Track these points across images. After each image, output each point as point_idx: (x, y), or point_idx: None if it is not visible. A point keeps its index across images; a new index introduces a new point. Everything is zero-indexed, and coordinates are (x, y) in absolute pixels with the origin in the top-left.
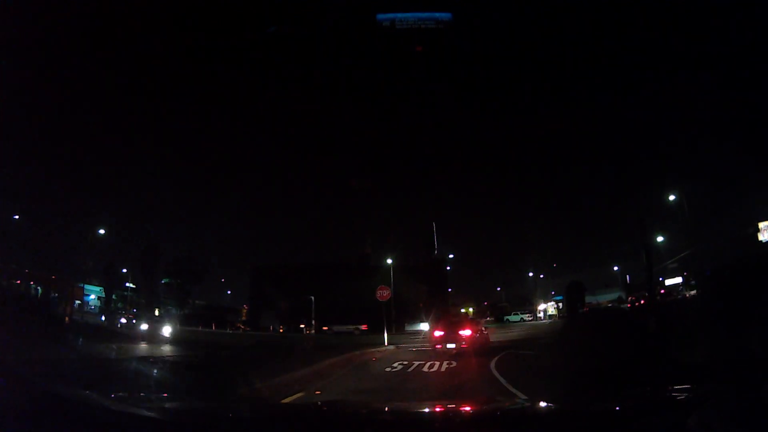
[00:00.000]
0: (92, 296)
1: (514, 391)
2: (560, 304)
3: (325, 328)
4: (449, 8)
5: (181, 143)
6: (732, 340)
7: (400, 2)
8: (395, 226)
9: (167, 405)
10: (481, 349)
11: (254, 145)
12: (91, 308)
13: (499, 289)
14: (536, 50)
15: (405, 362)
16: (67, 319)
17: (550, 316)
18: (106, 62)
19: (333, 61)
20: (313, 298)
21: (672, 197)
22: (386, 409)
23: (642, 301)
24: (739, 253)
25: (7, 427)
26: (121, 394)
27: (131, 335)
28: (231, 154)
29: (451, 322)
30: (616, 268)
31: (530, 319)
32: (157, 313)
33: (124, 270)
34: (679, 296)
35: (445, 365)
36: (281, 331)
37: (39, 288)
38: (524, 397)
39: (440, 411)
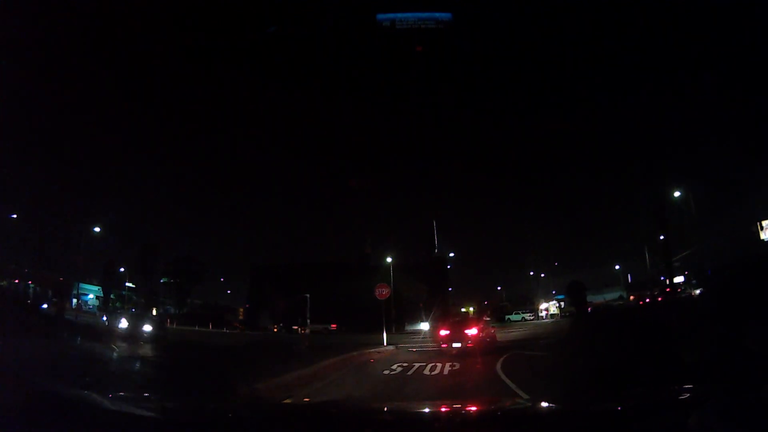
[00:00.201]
0: (91, 295)
1: (527, 398)
2: (562, 303)
3: (294, 327)
4: (449, 8)
5: (181, 143)
6: (733, 340)
7: (400, 2)
8: (395, 225)
9: (166, 405)
10: (488, 348)
11: (254, 144)
12: (89, 307)
13: (499, 288)
14: (536, 50)
15: (405, 364)
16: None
17: (551, 315)
18: (106, 62)
19: (333, 61)
20: (308, 296)
21: (677, 194)
22: (386, 409)
23: (647, 299)
24: (741, 252)
25: (6, 426)
26: (121, 394)
27: (115, 334)
28: (231, 154)
29: (456, 321)
30: (617, 267)
31: (532, 318)
32: (154, 312)
33: (122, 269)
34: (684, 294)
35: (447, 367)
36: (275, 330)
37: (33, 287)
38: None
39: (440, 411)
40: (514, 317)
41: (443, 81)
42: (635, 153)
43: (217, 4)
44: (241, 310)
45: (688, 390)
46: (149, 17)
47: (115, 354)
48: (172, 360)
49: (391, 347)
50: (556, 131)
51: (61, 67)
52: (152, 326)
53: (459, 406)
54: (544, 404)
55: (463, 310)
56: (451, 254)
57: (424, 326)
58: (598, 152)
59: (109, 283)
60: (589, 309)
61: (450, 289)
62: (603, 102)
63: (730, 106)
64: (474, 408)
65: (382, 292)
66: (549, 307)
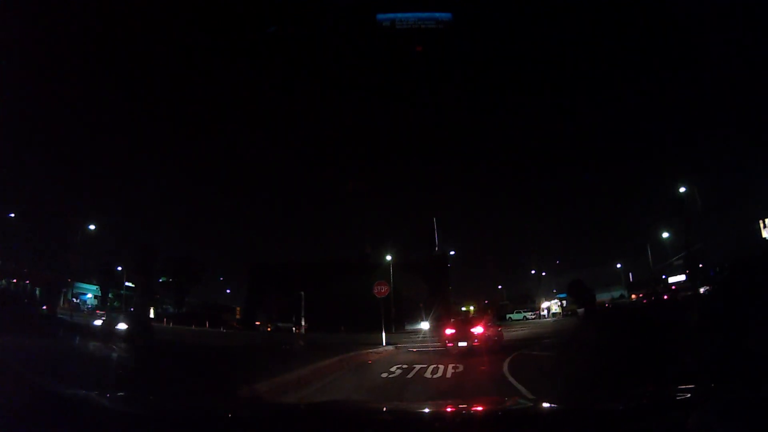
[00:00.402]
0: (89, 295)
1: (532, 398)
2: (564, 302)
3: (281, 325)
4: (449, 8)
5: (180, 142)
6: (734, 339)
7: (400, 2)
8: (396, 223)
9: (166, 405)
10: (494, 348)
11: (254, 144)
12: (88, 307)
13: (500, 287)
14: (536, 49)
15: (404, 366)
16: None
17: (553, 314)
18: (106, 61)
19: (333, 60)
20: (302, 293)
21: (682, 190)
22: (386, 409)
23: (653, 297)
24: (743, 250)
25: (6, 426)
26: (120, 394)
27: (95, 333)
28: (231, 153)
29: (462, 320)
30: (618, 266)
31: (533, 317)
32: (152, 312)
33: (119, 268)
34: (690, 293)
35: (450, 370)
36: (268, 330)
37: (28, 285)
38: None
39: (441, 411)
40: (515, 316)
41: (443, 81)
42: (636, 151)
43: (217, 4)
44: (239, 309)
45: (688, 390)
46: (149, 17)
47: (67, 350)
48: (127, 360)
49: (390, 347)
50: (556, 129)
51: (60, 67)
52: (130, 325)
53: (459, 405)
54: (546, 404)
55: (464, 309)
56: (452, 252)
57: (425, 325)
58: (599, 150)
59: (108, 283)
60: (607, 305)
61: (450, 287)
62: (604, 100)
63: (730, 104)
64: (475, 408)
65: (381, 289)
66: (551, 306)
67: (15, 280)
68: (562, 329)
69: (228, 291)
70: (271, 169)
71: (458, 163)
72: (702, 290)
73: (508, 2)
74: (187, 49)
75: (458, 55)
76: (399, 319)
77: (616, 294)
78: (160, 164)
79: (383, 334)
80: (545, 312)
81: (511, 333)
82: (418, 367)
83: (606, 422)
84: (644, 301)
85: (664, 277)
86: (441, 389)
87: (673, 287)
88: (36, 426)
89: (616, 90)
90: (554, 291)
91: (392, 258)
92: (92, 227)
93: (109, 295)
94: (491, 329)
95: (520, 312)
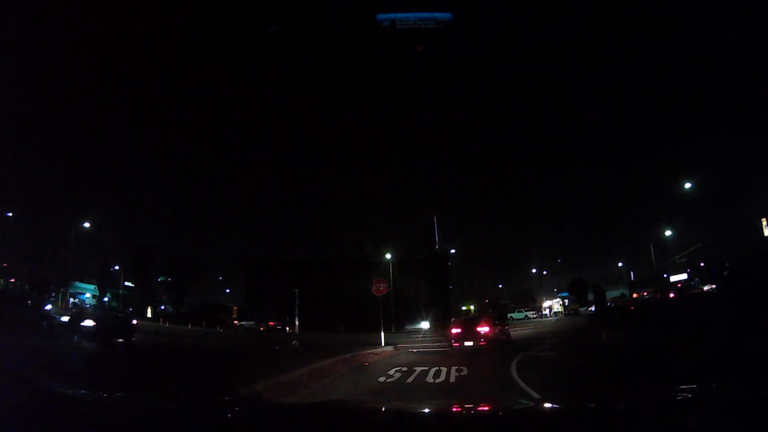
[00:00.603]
0: (88, 294)
1: (539, 397)
2: (566, 301)
3: (236, 323)
4: (449, 8)
5: (180, 142)
6: (736, 339)
7: (400, 2)
8: (396, 222)
9: (166, 405)
10: (500, 348)
11: (254, 143)
12: (87, 306)
13: (501, 286)
14: (537, 49)
15: (404, 368)
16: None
17: (555, 313)
18: (106, 61)
19: (333, 60)
20: (296, 291)
21: (686, 186)
22: (386, 409)
23: (659, 295)
24: (745, 249)
25: (6, 426)
26: (120, 394)
27: (58, 329)
28: (231, 153)
29: (468, 319)
30: (620, 265)
31: (535, 316)
32: (149, 312)
33: (116, 267)
34: (695, 291)
35: (453, 373)
36: (261, 329)
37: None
38: None
39: (441, 411)
40: (516, 315)
41: (443, 81)
42: (637, 151)
43: (217, 5)
44: (236, 308)
45: (688, 390)
46: (150, 17)
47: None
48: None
49: (389, 348)
50: (557, 128)
51: (60, 67)
52: (99, 321)
53: (460, 405)
54: (546, 404)
55: (464, 308)
56: (452, 251)
57: (425, 325)
58: (599, 149)
59: (105, 282)
60: (593, 307)
61: (450, 287)
62: (605, 99)
63: (731, 103)
64: (475, 407)
65: (380, 287)
66: (552, 305)
67: (13, 280)
68: (567, 329)
69: (228, 291)
70: (271, 168)
71: (458, 162)
72: (706, 288)
73: (508, 2)
74: (187, 49)
75: (458, 55)
76: (399, 318)
77: (618, 293)
78: (160, 164)
79: (382, 334)
80: (547, 311)
81: (514, 332)
82: (418, 369)
83: (606, 422)
84: (652, 300)
85: (665, 275)
86: (444, 396)
87: (679, 285)
88: (36, 426)
89: (617, 89)
90: (555, 290)
91: (392, 256)
92: (87, 225)
93: (107, 295)
94: (497, 328)
95: (522, 311)
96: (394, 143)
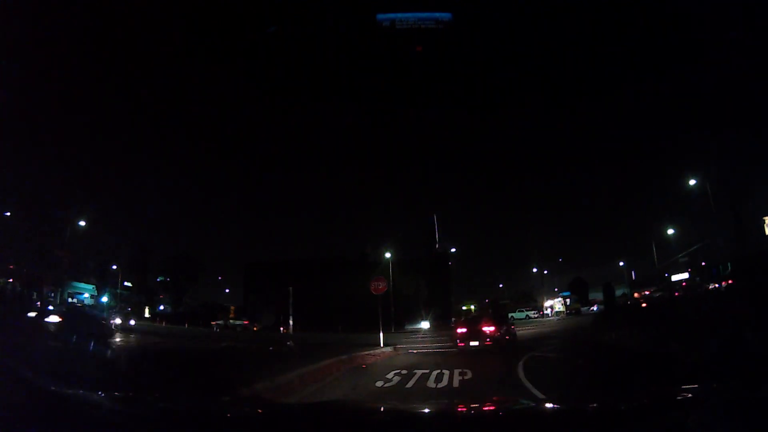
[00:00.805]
0: (86, 294)
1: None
2: (568, 300)
3: (213, 322)
4: (449, 8)
5: (180, 141)
6: (736, 338)
7: (400, 2)
8: (396, 221)
9: (166, 405)
10: (506, 348)
11: (255, 143)
12: (85, 306)
13: (501, 285)
14: (537, 49)
15: (403, 371)
16: None
17: (557, 312)
18: (105, 61)
19: (333, 61)
20: (291, 289)
21: (692, 183)
22: (386, 409)
23: (663, 294)
24: (746, 248)
25: (6, 427)
26: (119, 394)
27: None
28: (232, 153)
29: (473, 318)
30: (621, 264)
31: (536, 316)
32: (147, 312)
33: (114, 267)
34: (701, 290)
35: (457, 377)
36: (255, 329)
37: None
38: None
39: (441, 410)
40: (517, 315)
41: (443, 81)
42: (639, 149)
43: (217, 4)
44: (233, 308)
45: (688, 390)
46: (148, 17)
47: None
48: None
49: (388, 348)
50: (558, 128)
51: (59, 66)
52: (63, 318)
53: (460, 405)
54: (548, 404)
55: (464, 308)
56: (453, 249)
57: (425, 325)
58: (600, 149)
59: (103, 282)
60: (595, 306)
61: (451, 286)
62: (606, 99)
63: (732, 102)
64: (475, 407)
65: (379, 285)
66: (554, 305)
67: (11, 280)
68: (572, 328)
69: (227, 291)
70: (271, 168)
71: (459, 162)
72: (711, 287)
73: (508, 2)
74: (186, 49)
75: (458, 55)
76: (399, 318)
77: (619, 292)
78: (160, 164)
79: (381, 334)
80: (548, 310)
81: (518, 332)
82: (419, 372)
83: (606, 422)
84: (664, 298)
85: (667, 275)
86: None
87: (684, 284)
88: (35, 426)
89: (619, 89)
90: (556, 290)
91: (392, 255)
92: (83, 223)
93: (105, 296)
94: (503, 328)
95: (523, 311)
96: (394, 143)
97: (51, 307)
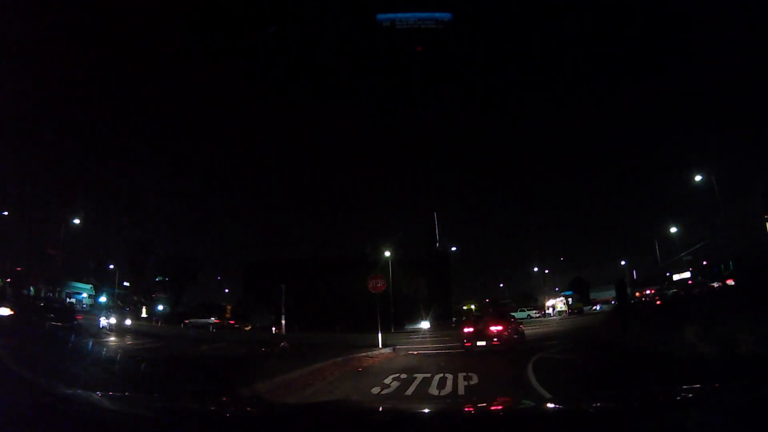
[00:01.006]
0: (84, 294)
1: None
2: (570, 300)
3: (186, 321)
4: (449, 8)
5: (179, 142)
6: (737, 338)
7: (400, 2)
8: (396, 220)
9: (166, 405)
10: (514, 348)
11: (255, 143)
12: (83, 306)
13: (501, 285)
14: (537, 48)
15: (402, 375)
16: None
17: (559, 312)
18: (105, 61)
19: (333, 60)
20: (283, 286)
21: (697, 179)
22: (387, 409)
23: (681, 292)
24: (748, 247)
25: (7, 427)
26: (120, 394)
27: None
28: (232, 152)
29: (480, 318)
30: (623, 263)
31: (537, 315)
32: (144, 312)
33: (111, 266)
34: (705, 288)
35: (462, 382)
36: (247, 329)
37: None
38: None
39: (441, 411)
40: (518, 315)
41: (443, 80)
42: (639, 149)
43: (217, 4)
44: (229, 307)
45: (688, 390)
46: (149, 17)
47: None
48: None
49: (387, 350)
50: (559, 126)
51: (58, 66)
52: (15, 311)
53: (460, 405)
54: (549, 404)
55: (465, 308)
56: (453, 248)
57: (425, 325)
58: (601, 148)
59: (102, 282)
60: (598, 306)
61: (451, 286)
62: (607, 98)
63: (733, 101)
64: (476, 408)
65: (377, 284)
66: (556, 304)
67: (9, 280)
68: (577, 328)
69: (227, 291)
70: (271, 167)
71: (459, 161)
72: (716, 285)
73: (508, 2)
74: (186, 48)
75: (458, 55)
76: (399, 318)
77: None
78: (160, 164)
79: (379, 335)
80: (550, 310)
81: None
82: (420, 377)
83: (606, 422)
84: (679, 294)
85: (668, 273)
86: None
87: (690, 282)
88: (35, 426)
89: (620, 87)
90: (557, 289)
91: (392, 254)
92: (77, 221)
93: (103, 296)
94: (511, 327)
95: (524, 310)
96: (394, 142)
97: None
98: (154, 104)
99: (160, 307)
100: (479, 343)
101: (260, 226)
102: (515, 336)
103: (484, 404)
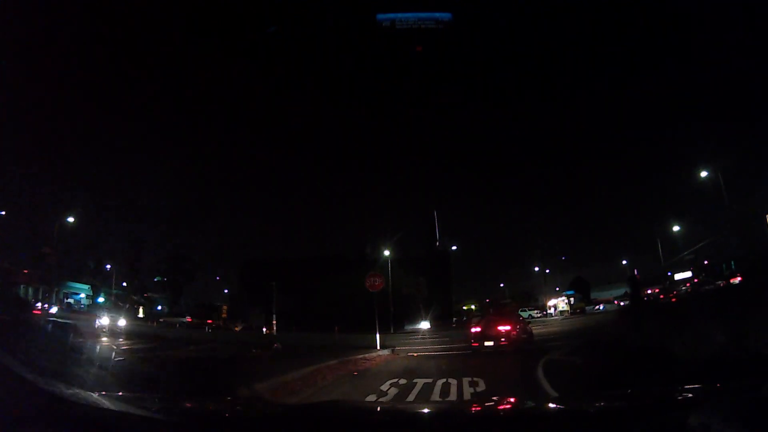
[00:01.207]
0: (81, 295)
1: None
2: (572, 299)
3: (161, 319)
4: (449, 8)
5: (179, 142)
6: (737, 338)
7: (400, 2)
8: (396, 219)
9: (167, 405)
10: (523, 349)
11: (255, 143)
12: (81, 306)
13: (502, 285)
14: (536, 47)
15: (402, 381)
16: None
17: (561, 312)
18: (103, 60)
19: (333, 60)
20: (274, 284)
21: (703, 175)
22: (387, 409)
23: (690, 289)
24: (750, 247)
25: (6, 427)
26: (120, 394)
27: None
28: (232, 153)
29: (487, 317)
30: (624, 262)
31: (539, 315)
32: (141, 312)
33: (108, 267)
34: (710, 287)
35: (467, 388)
36: (236, 330)
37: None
38: None
39: (441, 411)
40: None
41: (443, 80)
42: (639, 149)
43: (217, 4)
44: (225, 307)
45: (688, 390)
46: (149, 16)
47: None
48: None
49: (385, 351)
50: (559, 125)
51: (57, 65)
52: None
53: (461, 405)
54: (550, 404)
55: (465, 308)
56: (453, 247)
57: (425, 325)
58: (603, 146)
59: (98, 282)
60: (600, 306)
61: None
62: (608, 96)
63: (734, 100)
64: (476, 408)
65: (375, 282)
66: (557, 304)
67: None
68: (582, 327)
69: (226, 291)
70: (271, 167)
71: (459, 160)
72: (721, 284)
73: (508, 2)
74: (186, 48)
75: (458, 55)
76: (398, 318)
77: (621, 291)
78: (159, 164)
79: (377, 335)
80: (552, 310)
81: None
82: (420, 382)
83: (606, 422)
84: (691, 292)
85: (670, 273)
86: None
87: (696, 279)
88: (35, 426)
89: (621, 85)
90: (558, 288)
91: (391, 253)
92: (71, 219)
93: (101, 296)
94: (520, 327)
95: (525, 310)
96: (394, 141)
97: None
98: (153, 104)
99: (159, 307)
100: (487, 344)
101: (259, 226)
102: (524, 336)
103: (484, 404)
